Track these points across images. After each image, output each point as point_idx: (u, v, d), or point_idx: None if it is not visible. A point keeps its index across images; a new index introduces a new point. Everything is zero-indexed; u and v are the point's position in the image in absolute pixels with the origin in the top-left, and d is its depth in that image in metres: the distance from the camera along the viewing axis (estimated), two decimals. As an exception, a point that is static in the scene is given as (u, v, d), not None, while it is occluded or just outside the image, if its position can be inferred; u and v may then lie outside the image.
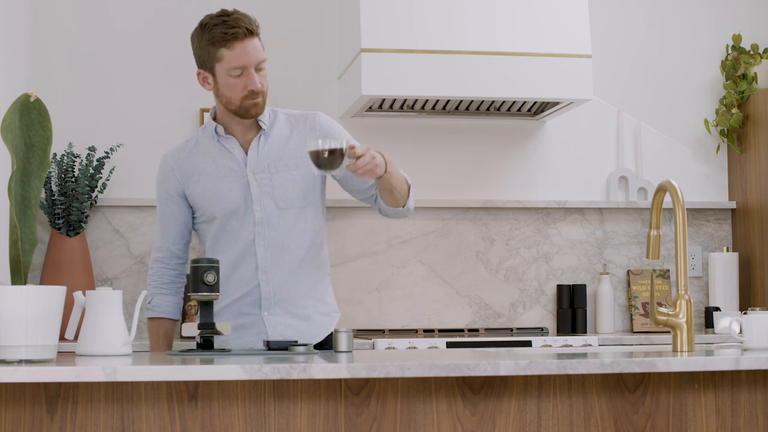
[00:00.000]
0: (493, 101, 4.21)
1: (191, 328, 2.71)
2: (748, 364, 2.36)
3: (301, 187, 3.00)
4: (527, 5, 4.07)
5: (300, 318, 3.00)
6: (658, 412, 2.41)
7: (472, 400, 2.34)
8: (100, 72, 4.30)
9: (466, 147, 4.50)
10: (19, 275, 2.33)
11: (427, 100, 4.21)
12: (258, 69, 2.92)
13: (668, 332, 4.28)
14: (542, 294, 4.49)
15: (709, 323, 4.41)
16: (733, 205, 4.61)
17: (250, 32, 2.89)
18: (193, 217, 3.07)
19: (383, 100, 4.15)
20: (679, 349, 2.64)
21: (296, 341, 2.73)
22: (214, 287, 2.67)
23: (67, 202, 4.02)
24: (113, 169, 4.20)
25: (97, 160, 4.11)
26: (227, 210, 2.98)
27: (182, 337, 4.01)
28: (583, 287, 4.41)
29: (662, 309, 2.66)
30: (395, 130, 4.44)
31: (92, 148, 4.11)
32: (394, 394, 2.31)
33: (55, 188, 4.07)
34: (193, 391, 2.24)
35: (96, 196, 4.13)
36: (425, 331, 4.22)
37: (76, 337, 3.09)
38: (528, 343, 3.88)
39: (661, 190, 2.75)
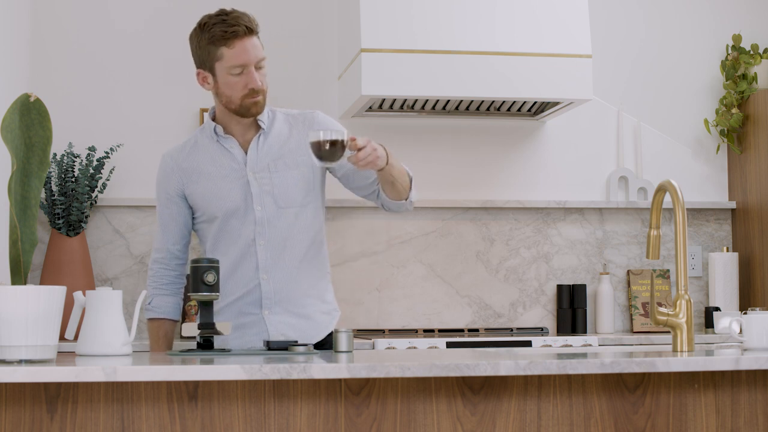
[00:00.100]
0: (493, 101, 4.21)
1: (191, 328, 2.71)
2: (748, 364, 2.36)
3: (301, 185, 3.00)
4: (527, 5, 4.07)
5: (301, 317, 3.01)
6: (658, 412, 2.41)
7: (472, 400, 2.34)
8: (100, 72, 4.30)
9: (466, 147, 4.50)
10: (19, 275, 2.33)
11: (427, 100, 4.21)
12: (258, 67, 2.92)
13: (668, 332, 4.28)
14: (542, 294, 4.49)
15: (709, 323, 4.41)
16: (733, 205, 4.61)
17: (250, 30, 2.90)
18: (193, 218, 3.07)
19: (383, 100, 4.15)
20: (679, 349, 2.64)
21: (296, 341, 2.73)
22: (214, 287, 2.67)
23: (67, 202, 4.02)
24: (113, 169, 4.20)
25: (97, 160, 4.11)
26: (228, 210, 2.98)
27: (182, 337, 4.01)
28: (583, 287, 4.41)
29: (662, 309, 2.66)
30: (395, 130, 4.44)
31: (92, 148, 4.11)
32: (394, 394, 2.31)
33: (55, 188, 4.07)
34: (193, 391, 2.24)
35: (96, 196, 4.13)
36: (425, 331, 4.22)
37: (76, 337, 3.09)
38: (528, 343, 3.88)
39: (661, 190, 2.75)
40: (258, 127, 3.02)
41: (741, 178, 4.57)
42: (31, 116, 2.36)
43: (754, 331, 2.63)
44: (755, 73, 4.53)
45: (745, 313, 2.68)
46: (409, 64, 3.96)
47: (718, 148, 4.65)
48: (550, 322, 4.47)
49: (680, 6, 4.69)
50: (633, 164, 4.61)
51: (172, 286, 3.08)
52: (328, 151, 2.63)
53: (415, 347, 3.75)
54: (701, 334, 4.12)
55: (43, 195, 4.08)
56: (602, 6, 4.62)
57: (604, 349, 3.10)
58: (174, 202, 3.05)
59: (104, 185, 4.12)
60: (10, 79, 3.90)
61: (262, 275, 2.98)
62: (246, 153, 3.00)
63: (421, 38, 3.98)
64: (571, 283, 4.50)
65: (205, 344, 2.69)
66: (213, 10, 2.96)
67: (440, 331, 4.22)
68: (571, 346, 3.85)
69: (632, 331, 4.48)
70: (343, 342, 2.68)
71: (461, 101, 4.21)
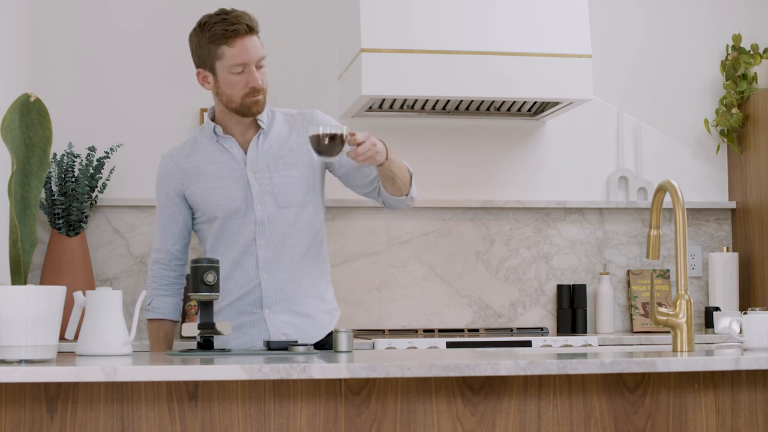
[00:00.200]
0: (493, 101, 4.21)
1: (191, 328, 2.71)
2: (748, 364, 2.36)
3: (301, 185, 3.00)
4: (527, 5, 4.07)
5: (301, 316, 3.01)
6: (658, 412, 2.41)
7: (472, 400, 2.34)
8: (100, 72, 4.30)
9: (466, 147, 4.50)
10: (19, 275, 2.33)
11: (427, 100, 4.21)
12: (258, 66, 2.92)
13: (668, 332, 4.28)
14: (542, 294, 4.49)
15: (709, 323, 4.41)
16: (733, 205, 4.61)
17: (251, 29, 2.90)
18: (193, 218, 3.07)
19: (383, 100, 4.15)
20: (679, 349, 2.64)
21: (296, 341, 2.73)
22: (214, 287, 2.67)
23: (67, 202, 4.02)
24: (113, 169, 4.20)
25: (97, 160, 4.11)
26: (228, 210, 2.98)
27: (182, 337, 4.01)
28: (583, 287, 4.41)
29: (662, 309, 2.66)
30: (395, 130, 4.44)
31: (92, 148, 4.11)
32: (394, 394, 2.31)
33: (55, 188, 4.07)
34: (193, 391, 2.24)
35: (96, 196, 4.13)
36: (425, 331, 4.22)
37: (76, 337, 3.09)
38: (528, 343, 3.88)
39: (661, 190, 2.75)
40: (257, 127, 3.02)
41: (741, 178, 4.57)
42: (31, 116, 2.36)
43: (754, 331, 2.63)
44: (755, 73, 4.53)
45: (745, 313, 2.68)
46: (409, 64, 3.96)
47: (718, 148, 4.65)
48: (550, 322, 4.47)
49: (680, 6, 4.70)
50: (633, 164, 4.61)
51: (172, 286, 3.08)
52: (328, 145, 2.63)
53: (415, 347, 3.75)
54: (701, 334, 4.12)
55: (43, 195, 4.08)
56: (602, 6, 4.62)
57: (604, 349, 3.10)
58: (174, 203, 3.05)
59: (104, 185, 4.12)
60: (10, 79, 3.90)
61: (263, 274, 2.98)
62: (246, 153, 3.00)
63: (421, 38, 3.98)
64: (571, 283, 4.50)
65: (205, 344, 2.69)
66: (213, 10, 2.97)
67: (440, 331, 4.22)
68: (571, 346, 3.85)
69: (632, 331, 4.48)
70: (343, 342, 2.68)
71: (461, 101, 4.21)
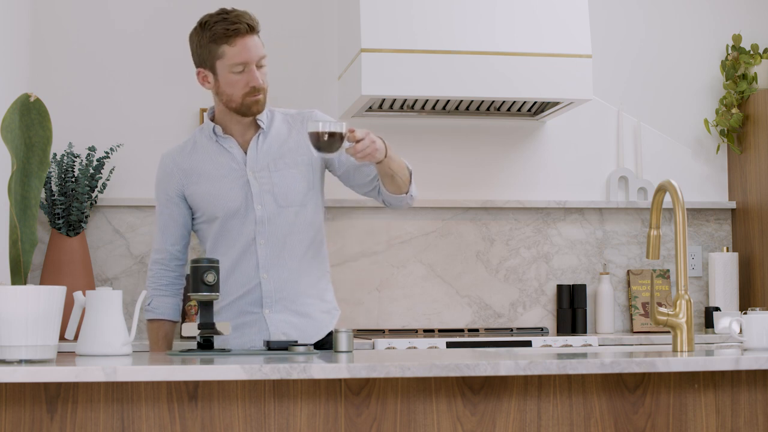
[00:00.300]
0: (493, 101, 4.21)
1: (191, 328, 2.71)
2: (748, 364, 2.36)
3: (301, 184, 3.00)
4: (527, 5, 4.07)
5: (301, 315, 3.01)
6: (658, 412, 2.41)
7: (472, 400, 2.34)
8: (100, 72, 4.30)
9: (466, 147, 4.50)
10: (19, 275, 2.33)
11: (427, 100, 4.21)
12: (259, 66, 2.93)
13: (668, 332, 4.28)
14: (542, 294, 4.49)
15: (709, 323, 4.41)
16: (733, 205, 4.61)
17: (252, 28, 2.91)
18: (193, 218, 3.07)
19: (383, 100, 4.15)
20: (679, 349, 2.64)
21: (296, 341, 2.73)
22: (214, 287, 2.67)
23: (67, 202, 4.02)
24: (113, 169, 4.20)
25: (97, 160, 4.11)
26: (228, 209, 2.98)
27: (182, 337, 4.01)
28: (583, 287, 4.41)
29: (662, 309, 2.66)
30: (395, 130, 4.44)
31: (92, 148, 4.11)
32: (394, 394, 2.31)
33: (55, 188, 4.07)
34: (193, 391, 2.24)
35: (96, 196, 4.13)
36: (425, 331, 4.22)
37: (76, 337, 3.09)
38: (528, 343, 3.88)
39: (661, 190, 2.75)
40: (257, 127, 3.02)
41: (741, 178, 4.57)
42: (31, 116, 2.36)
43: (754, 331, 2.63)
44: (755, 73, 4.53)
45: (745, 313, 2.68)
46: (409, 64, 3.96)
47: (718, 148, 4.65)
48: (550, 322, 4.47)
49: (680, 6, 4.70)
50: (633, 164, 4.61)
51: (172, 287, 3.08)
52: (327, 142, 2.64)
53: (415, 347, 3.75)
54: (701, 334, 4.12)
55: (43, 195, 4.08)
56: (602, 6, 4.62)
57: (604, 349, 3.10)
58: (174, 203, 3.05)
59: (104, 185, 4.12)
60: (10, 79, 3.90)
61: (263, 274, 2.98)
62: (245, 153, 3.01)
63: (421, 38, 3.98)
64: (571, 283, 4.50)
65: (205, 344, 2.69)
66: (213, 10, 2.97)
67: (440, 331, 4.22)
68: (571, 346, 3.85)
69: (632, 331, 4.48)
70: (343, 342, 2.68)
71: (461, 101, 4.21)
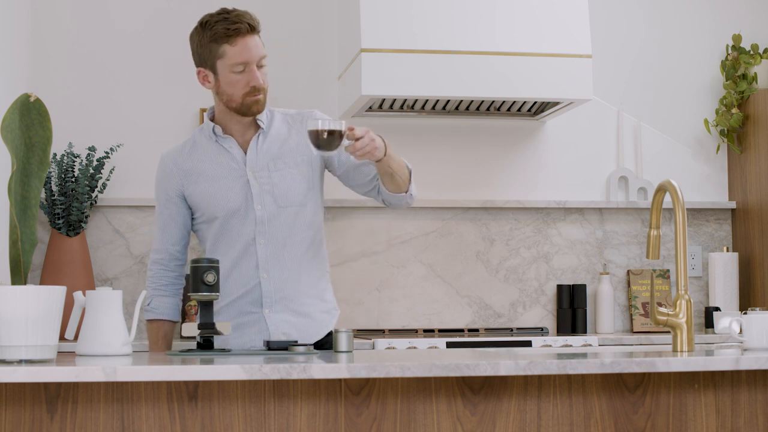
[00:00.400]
0: (493, 101, 4.21)
1: (191, 328, 2.71)
2: (748, 364, 2.36)
3: (301, 184, 3.00)
4: (527, 5, 4.07)
5: (301, 315, 3.01)
6: (658, 412, 2.41)
7: (472, 400, 2.34)
8: (100, 72, 4.30)
9: (466, 147, 4.50)
10: (19, 275, 2.33)
11: (427, 100, 4.21)
12: (259, 66, 2.93)
13: (668, 332, 4.28)
14: (542, 294, 4.49)
15: (709, 323, 4.41)
16: (733, 205, 4.61)
17: (252, 28, 2.91)
18: (193, 218, 3.07)
19: (383, 100, 4.15)
20: (679, 349, 2.64)
21: (296, 341, 2.73)
22: (214, 287, 2.67)
23: (67, 202, 4.02)
24: (113, 169, 4.20)
25: (97, 160, 4.11)
26: (228, 209, 2.98)
27: (182, 337, 4.01)
28: (583, 287, 4.41)
29: (662, 309, 2.66)
30: (395, 130, 4.43)
31: (92, 148, 4.11)
32: (394, 394, 2.31)
33: (55, 188, 4.07)
34: (193, 391, 2.24)
35: (96, 196, 4.13)
36: (425, 331, 4.22)
37: (76, 337, 3.09)
38: (528, 343, 3.88)
39: (661, 190, 2.75)
40: (257, 127, 3.02)
41: (741, 178, 4.57)
42: (31, 116, 2.36)
43: (754, 331, 2.63)
44: (755, 73, 4.53)
45: (745, 313, 2.68)
46: (409, 64, 3.96)
47: (718, 148, 4.65)
48: (550, 322, 4.47)
49: (680, 6, 4.69)
50: (633, 164, 4.61)
51: (172, 287, 3.08)
52: (326, 139, 2.65)
53: (415, 347, 3.75)
54: (701, 334, 4.12)
55: (43, 195, 4.08)
56: (602, 6, 4.62)
57: (604, 349, 3.10)
58: (173, 203, 3.05)
59: (104, 185, 4.12)
60: (10, 79, 3.90)
61: (263, 274, 2.98)
62: (245, 153, 3.01)
63: (421, 38, 3.98)
64: (571, 283, 4.50)
65: (205, 344, 2.69)
66: (213, 10, 2.97)
67: (440, 331, 4.22)
68: (571, 346, 3.85)
69: (632, 331, 4.48)
70: (343, 342, 2.68)
71: (461, 101, 4.21)
